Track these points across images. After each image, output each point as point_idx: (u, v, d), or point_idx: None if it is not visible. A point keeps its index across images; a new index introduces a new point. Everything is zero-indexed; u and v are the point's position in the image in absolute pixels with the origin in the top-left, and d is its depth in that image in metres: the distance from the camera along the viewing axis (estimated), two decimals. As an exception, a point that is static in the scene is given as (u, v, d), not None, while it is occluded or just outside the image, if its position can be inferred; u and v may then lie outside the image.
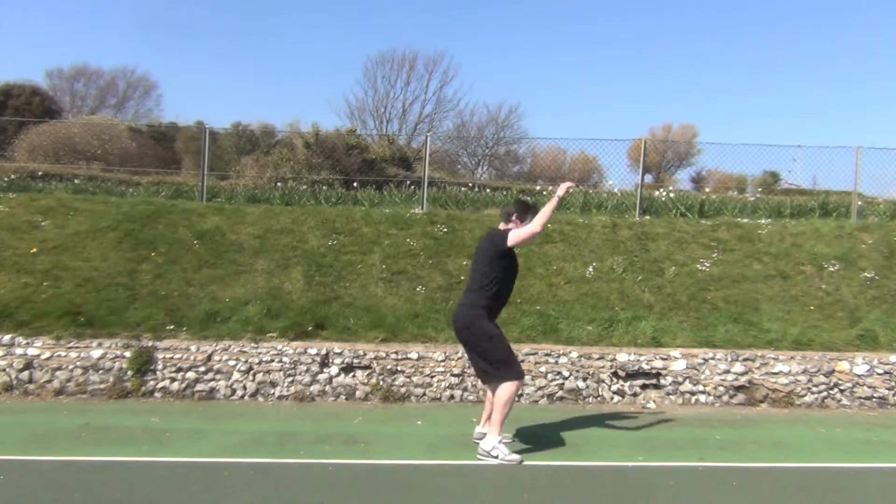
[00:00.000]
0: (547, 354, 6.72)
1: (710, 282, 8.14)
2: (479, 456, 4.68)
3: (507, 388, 4.66)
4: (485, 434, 4.82)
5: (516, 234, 4.68)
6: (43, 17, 63.50)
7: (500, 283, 4.78)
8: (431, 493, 4.09)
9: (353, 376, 6.59)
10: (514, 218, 4.86)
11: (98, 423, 5.47)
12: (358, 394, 6.57)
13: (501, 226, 4.93)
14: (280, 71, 68.35)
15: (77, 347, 6.49)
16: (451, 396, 6.61)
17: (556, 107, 66.96)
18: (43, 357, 6.45)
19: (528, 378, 6.62)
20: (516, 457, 4.66)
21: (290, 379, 6.54)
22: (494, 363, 4.71)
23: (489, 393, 4.95)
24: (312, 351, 6.59)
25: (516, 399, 5.05)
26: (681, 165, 41.26)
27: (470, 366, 6.59)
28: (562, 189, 4.78)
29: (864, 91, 69.94)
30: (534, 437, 5.31)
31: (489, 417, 4.86)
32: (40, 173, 14.37)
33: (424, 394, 6.58)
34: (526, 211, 4.88)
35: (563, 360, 6.71)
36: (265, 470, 4.37)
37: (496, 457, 4.62)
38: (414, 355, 6.62)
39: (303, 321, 6.94)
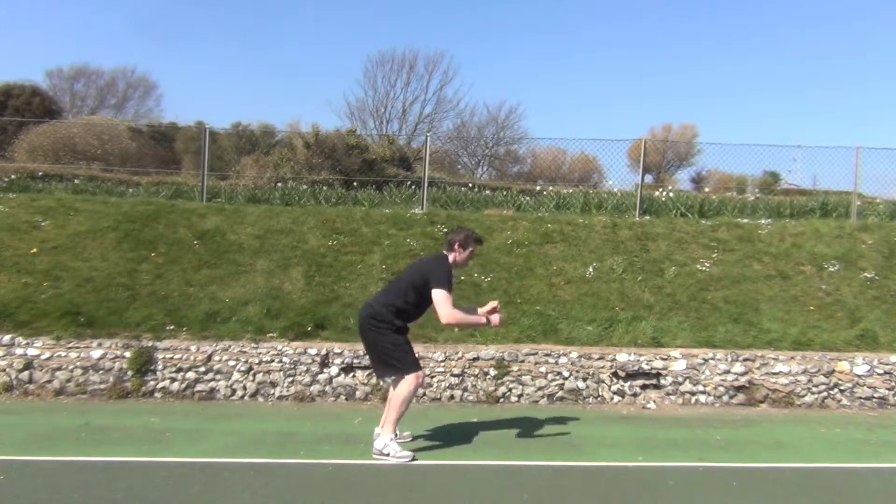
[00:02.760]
0: (547, 354, 6.72)
1: (710, 282, 8.14)
2: (373, 456, 4.60)
3: (404, 386, 4.60)
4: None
5: (437, 299, 4.57)
6: (43, 17, 63.56)
7: (413, 307, 4.72)
8: (431, 493, 4.08)
9: (353, 376, 6.59)
10: (456, 246, 4.83)
11: (98, 423, 5.47)
12: (358, 394, 6.57)
13: (444, 250, 4.88)
14: (280, 71, 68.48)
15: (77, 347, 6.49)
16: (451, 396, 6.61)
17: (556, 107, 67.00)
18: (43, 357, 6.45)
19: (528, 378, 6.63)
20: (408, 454, 4.60)
21: (290, 379, 6.54)
22: (393, 356, 4.62)
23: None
24: (312, 351, 6.59)
25: (416, 398, 4.90)
26: (681, 165, 41.23)
27: (469, 366, 6.61)
28: (497, 320, 4.75)
29: (864, 91, 69.99)
30: (534, 437, 5.32)
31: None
32: (40, 173, 14.38)
33: (424, 394, 6.58)
34: (468, 241, 4.86)
35: (563, 360, 6.71)
36: (265, 470, 4.37)
37: (388, 454, 4.56)
38: (414, 355, 6.61)
39: (303, 321, 6.94)
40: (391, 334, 4.63)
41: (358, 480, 4.27)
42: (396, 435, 4.77)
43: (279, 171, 16.20)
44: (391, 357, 4.64)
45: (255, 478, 4.21)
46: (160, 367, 6.49)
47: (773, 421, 6.24)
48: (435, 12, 68.68)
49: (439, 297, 4.57)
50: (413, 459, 4.58)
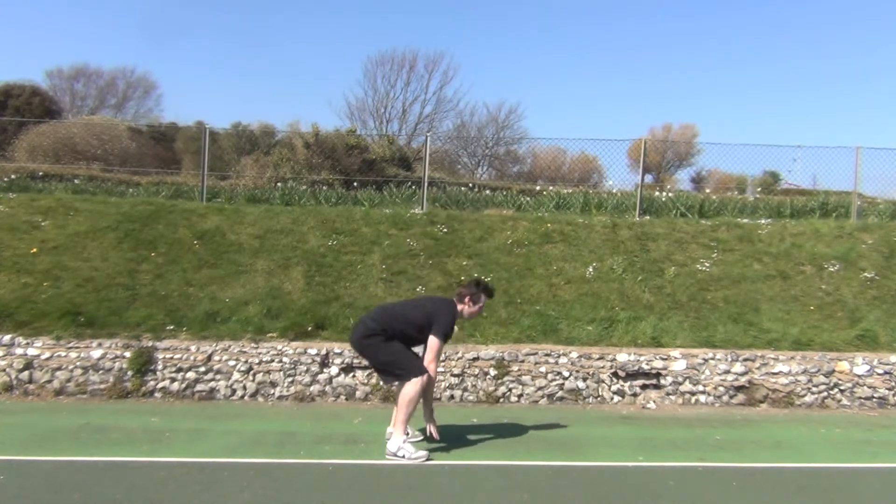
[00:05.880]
0: (547, 354, 6.72)
1: (710, 282, 8.14)
2: (386, 457, 4.63)
3: (410, 387, 4.62)
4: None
5: (431, 346, 4.66)
6: (43, 17, 63.52)
7: (407, 338, 4.78)
8: (431, 493, 4.08)
9: (353, 376, 6.59)
10: (466, 300, 4.87)
11: (98, 423, 5.47)
12: (358, 394, 6.57)
13: (455, 298, 4.93)
14: (280, 71, 68.40)
15: (77, 347, 6.49)
16: (451, 396, 6.61)
17: (556, 107, 66.98)
18: (43, 357, 6.45)
19: (528, 378, 6.63)
20: (423, 453, 4.62)
21: (290, 379, 6.54)
22: (394, 364, 4.70)
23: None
24: (312, 351, 6.59)
25: (421, 399, 4.86)
26: (681, 165, 41.21)
27: (469, 366, 6.61)
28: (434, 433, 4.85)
29: (864, 91, 69.97)
30: (534, 437, 5.32)
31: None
32: (40, 173, 14.37)
33: (424, 394, 6.57)
34: (479, 293, 4.90)
35: (563, 360, 6.71)
36: (265, 470, 4.37)
37: (402, 457, 4.58)
38: (414, 355, 6.61)
39: (303, 321, 6.94)
40: (384, 344, 4.68)
41: (358, 480, 4.27)
42: (408, 435, 4.78)
43: (279, 171, 16.19)
44: (392, 367, 4.71)
45: (255, 478, 4.21)
46: (160, 367, 6.49)
47: (773, 421, 6.24)
48: (435, 12, 68.69)
49: (433, 345, 4.67)
50: (428, 459, 4.60)
